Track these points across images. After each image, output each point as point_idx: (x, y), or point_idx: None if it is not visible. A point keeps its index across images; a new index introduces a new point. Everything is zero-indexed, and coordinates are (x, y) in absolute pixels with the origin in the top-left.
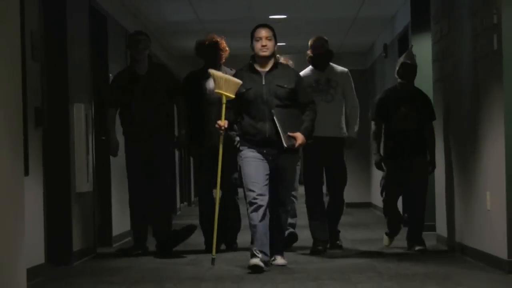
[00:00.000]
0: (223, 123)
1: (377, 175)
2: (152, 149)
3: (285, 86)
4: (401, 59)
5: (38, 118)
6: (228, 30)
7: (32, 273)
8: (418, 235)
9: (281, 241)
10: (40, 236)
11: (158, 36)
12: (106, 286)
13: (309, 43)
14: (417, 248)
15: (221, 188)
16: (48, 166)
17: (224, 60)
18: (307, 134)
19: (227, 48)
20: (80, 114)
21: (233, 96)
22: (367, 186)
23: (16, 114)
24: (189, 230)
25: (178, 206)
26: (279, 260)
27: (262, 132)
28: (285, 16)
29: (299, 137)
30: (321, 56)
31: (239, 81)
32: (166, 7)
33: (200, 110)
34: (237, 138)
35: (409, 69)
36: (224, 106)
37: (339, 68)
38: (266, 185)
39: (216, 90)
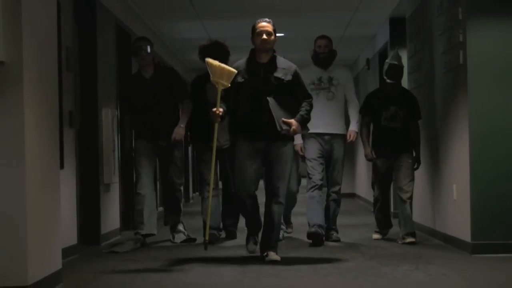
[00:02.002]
0: (218, 110)
1: (360, 168)
2: (159, 150)
3: (283, 78)
4: (388, 60)
5: (71, 120)
6: (234, 46)
7: (67, 252)
8: (409, 229)
9: (273, 236)
10: (73, 221)
11: (175, 51)
12: (130, 263)
13: (315, 42)
14: (408, 240)
15: (221, 181)
16: (80, 161)
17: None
18: (302, 122)
19: (228, 50)
20: (107, 117)
21: (228, 84)
22: (352, 178)
23: (53, 116)
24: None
25: (191, 195)
26: (272, 255)
27: (256, 122)
28: (282, 34)
29: (294, 123)
30: (326, 56)
31: (234, 70)
32: (181, 26)
33: (205, 112)
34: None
35: (397, 70)
36: (219, 94)
37: (341, 67)
38: (256, 179)
39: (212, 79)
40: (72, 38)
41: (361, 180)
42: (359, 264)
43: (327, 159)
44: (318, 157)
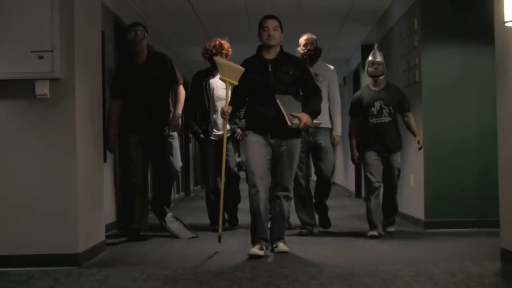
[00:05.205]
0: (227, 108)
1: (338, 158)
2: (151, 138)
3: (291, 72)
4: (369, 59)
5: None
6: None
7: (108, 227)
8: (392, 219)
9: (282, 228)
10: (113, 203)
11: (190, 69)
12: (158, 239)
13: (300, 41)
14: (388, 229)
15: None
16: (119, 156)
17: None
18: (312, 114)
19: (230, 49)
20: None
21: (236, 83)
22: None
23: (98, 121)
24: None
25: (192, 189)
26: (281, 246)
27: (266, 117)
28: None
29: (304, 116)
30: (311, 53)
31: (242, 68)
32: (197, 50)
33: (207, 104)
34: (238, 130)
35: (377, 66)
36: (227, 91)
37: (327, 65)
38: (267, 169)
39: (220, 77)
40: (113, 60)
41: (338, 169)
42: (336, 237)
43: (314, 150)
44: (305, 154)
